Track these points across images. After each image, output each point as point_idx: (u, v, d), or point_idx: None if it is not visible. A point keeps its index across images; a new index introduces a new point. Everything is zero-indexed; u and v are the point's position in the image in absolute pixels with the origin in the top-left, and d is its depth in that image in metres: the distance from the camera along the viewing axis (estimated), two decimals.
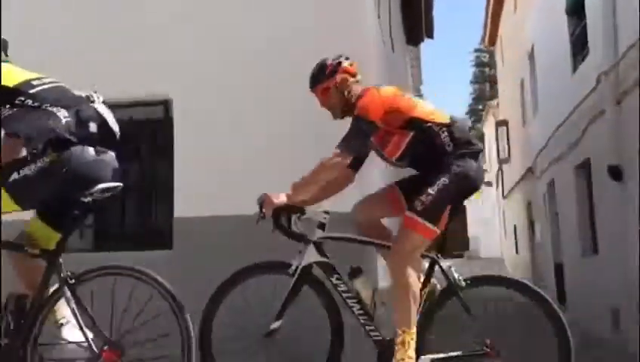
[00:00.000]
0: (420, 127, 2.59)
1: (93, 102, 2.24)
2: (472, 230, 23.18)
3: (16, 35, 3.98)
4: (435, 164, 2.55)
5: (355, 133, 2.55)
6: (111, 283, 2.27)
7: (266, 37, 3.85)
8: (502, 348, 2.51)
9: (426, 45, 11.21)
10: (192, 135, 3.87)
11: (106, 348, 2.15)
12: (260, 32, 3.87)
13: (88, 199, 2.19)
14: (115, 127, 2.28)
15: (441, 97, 74.94)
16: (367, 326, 2.60)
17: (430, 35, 9.77)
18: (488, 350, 2.51)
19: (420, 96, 16.76)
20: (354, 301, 2.62)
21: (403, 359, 2.43)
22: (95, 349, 2.13)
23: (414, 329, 2.47)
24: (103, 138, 2.23)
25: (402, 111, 2.60)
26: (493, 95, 26.15)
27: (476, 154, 2.61)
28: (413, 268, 2.52)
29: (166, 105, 3.98)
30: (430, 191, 2.50)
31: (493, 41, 15.15)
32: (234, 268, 3.07)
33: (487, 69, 36.58)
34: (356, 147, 2.57)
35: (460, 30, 72.47)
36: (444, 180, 2.51)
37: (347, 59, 2.74)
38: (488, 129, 19.86)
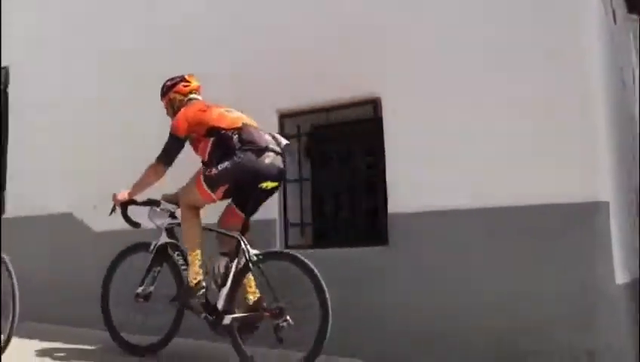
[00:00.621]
0: (217, 134, 3.37)
1: None
2: None
3: (231, 37, 4.42)
4: (229, 156, 3.30)
5: (169, 147, 3.47)
6: None
7: (482, 17, 3.72)
8: (286, 309, 3.23)
9: None
10: (401, 132, 3.89)
11: None
12: (475, 12, 3.75)
13: None
14: None
15: None
16: None
17: None
18: (265, 312, 3.28)
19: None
20: (187, 271, 3.47)
21: (193, 271, 3.38)
22: None
23: (197, 251, 3.40)
24: None
25: (203, 123, 3.42)
26: None
27: (258, 151, 3.32)
28: (191, 213, 3.45)
29: (375, 104, 4.04)
30: (219, 166, 3.31)
31: None
32: (450, 261, 3.57)
33: None
34: (170, 158, 3.47)
35: None
36: (227, 164, 3.30)
37: (183, 79, 3.70)
38: None
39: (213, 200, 3.43)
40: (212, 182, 3.34)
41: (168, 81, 3.72)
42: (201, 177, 3.37)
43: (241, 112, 3.57)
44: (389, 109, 3.93)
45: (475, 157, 3.64)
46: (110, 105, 4.83)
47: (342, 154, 4.36)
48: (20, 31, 5.44)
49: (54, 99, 5.17)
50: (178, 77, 3.71)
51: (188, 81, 3.70)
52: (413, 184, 3.79)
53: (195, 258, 3.39)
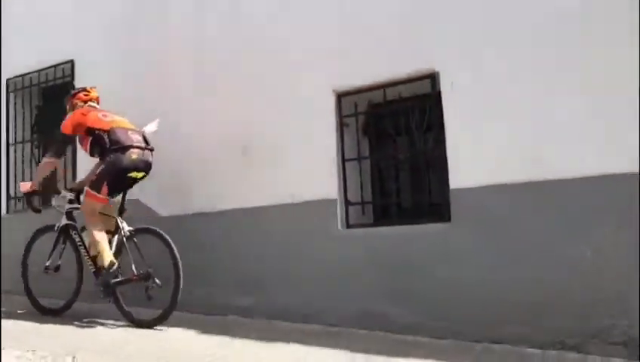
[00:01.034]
0: (93, 133, 4.15)
1: None
2: None
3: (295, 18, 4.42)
4: (104, 155, 4.09)
5: (58, 142, 4.34)
6: None
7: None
8: (153, 273, 3.97)
9: None
10: (461, 106, 3.80)
11: None
12: None
13: None
14: None
15: None
16: (88, 263, 4.26)
17: None
18: (135, 276, 4.02)
19: None
20: (82, 247, 4.35)
21: (104, 257, 4.03)
22: None
23: (104, 246, 4.05)
24: None
25: (82, 124, 4.20)
26: None
27: (123, 149, 4.05)
28: (94, 219, 4.12)
29: (433, 79, 3.96)
30: (96, 172, 4.12)
31: None
32: (518, 236, 3.45)
33: None
34: (59, 152, 4.37)
35: None
36: (102, 166, 4.09)
37: (84, 89, 4.50)
38: None
39: (104, 199, 4.13)
40: (95, 186, 4.09)
41: (73, 90, 4.59)
42: (87, 188, 4.14)
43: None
44: (447, 83, 3.85)
45: (538, 129, 3.52)
46: (181, 96, 4.92)
47: (400, 130, 4.31)
48: (86, 25, 5.61)
49: (118, 92, 5.32)
50: (81, 88, 4.55)
51: (88, 92, 4.48)
52: (474, 158, 3.71)
53: (104, 250, 4.06)
